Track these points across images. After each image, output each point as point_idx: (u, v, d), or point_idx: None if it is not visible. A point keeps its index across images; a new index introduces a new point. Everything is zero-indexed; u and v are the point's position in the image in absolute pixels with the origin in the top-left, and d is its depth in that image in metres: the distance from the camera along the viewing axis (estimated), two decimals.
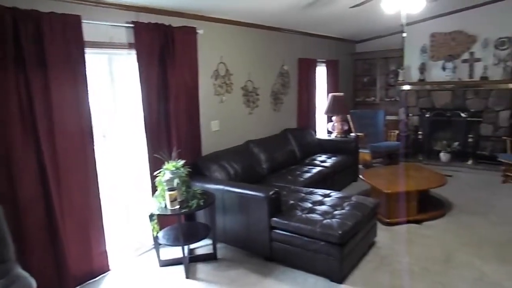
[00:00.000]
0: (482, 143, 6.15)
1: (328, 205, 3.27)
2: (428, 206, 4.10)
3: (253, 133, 4.84)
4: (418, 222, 3.89)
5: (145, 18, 3.36)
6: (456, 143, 6.31)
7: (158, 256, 3.27)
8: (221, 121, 4.38)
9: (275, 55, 5.30)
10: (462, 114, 6.23)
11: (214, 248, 3.36)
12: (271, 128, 5.24)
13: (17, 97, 2.53)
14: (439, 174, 4.49)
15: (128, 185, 3.60)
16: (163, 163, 3.15)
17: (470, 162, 6.14)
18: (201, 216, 3.65)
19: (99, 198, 3.09)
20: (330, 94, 6.00)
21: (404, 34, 4.17)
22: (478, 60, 5.98)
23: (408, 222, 3.87)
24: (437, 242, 3.47)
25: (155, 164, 3.32)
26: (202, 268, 3.19)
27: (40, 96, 2.64)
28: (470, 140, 6.16)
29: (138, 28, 3.27)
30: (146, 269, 3.23)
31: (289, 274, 3.02)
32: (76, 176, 2.90)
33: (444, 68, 6.26)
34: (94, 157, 3.02)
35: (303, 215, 3.07)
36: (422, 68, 6.46)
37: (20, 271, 2.26)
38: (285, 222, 3.02)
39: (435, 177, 4.28)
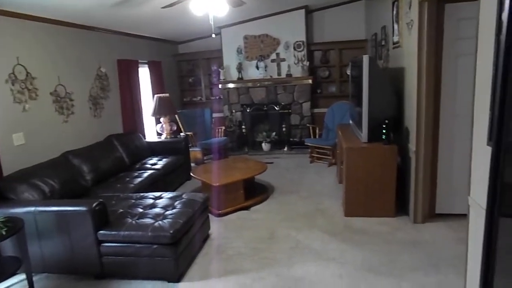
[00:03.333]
0: (293, 131, 7.20)
1: (160, 207, 3.23)
2: (254, 193, 4.54)
3: (71, 143, 4.34)
4: (246, 208, 4.27)
5: None
6: (274, 133, 7.18)
7: None
8: (27, 133, 3.75)
9: (90, 56, 4.88)
10: (276, 107, 7.13)
11: (30, 282, 2.86)
12: (93, 135, 4.80)
13: None
14: (260, 162, 5.02)
15: None
16: None
17: (285, 149, 7.09)
18: (9, 248, 3.06)
19: None
20: (156, 96, 5.92)
21: (213, 35, 4.45)
22: (283, 60, 6.96)
23: (238, 210, 4.20)
24: (263, 223, 3.89)
25: None
26: None
27: None
28: (283, 129, 7.11)
29: None
30: None
31: (124, 286, 2.85)
32: None
33: (257, 67, 7.01)
34: None
35: (134, 222, 2.94)
36: (240, 68, 7.07)
37: None
38: (114, 232, 2.83)
39: (257, 166, 4.77)
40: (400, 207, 3.83)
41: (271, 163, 6.21)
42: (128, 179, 4.30)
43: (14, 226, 2.68)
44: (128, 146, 5.04)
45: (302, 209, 4.21)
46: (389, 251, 3.12)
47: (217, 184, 4.02)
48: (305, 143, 6.43)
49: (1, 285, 2.98)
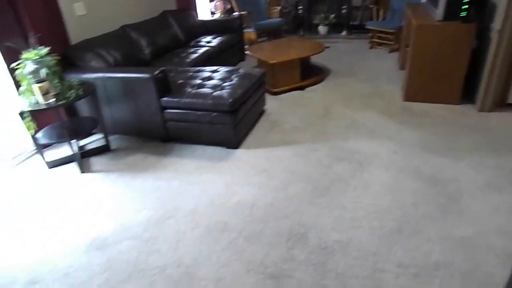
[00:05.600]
0: (354, 13, 6.60)
1: (217, 79, 3.28)
2: (309, 74, 4.43)
3: (128, 17, 4.33)
4: (301, 88, 4.22)
5: None
6: (332, 15, 6.65)
7: (44, 158, 3.00)
8: (87, 3, 3.76)
9: None
10: None
11: (106, 140, 3.20)
12: (147, 10, 4.73)
13: None
14: (318, 42, 4.77)
15: None
16: (20, 53, 2.66)
17: (344, 32, 6.63)
18: (85, 111, 3.37)
19: None
20: None
21: None
22: None
23: (293, 90, 4.18)
24: (318, 102, 3.87)
25: (9, 55, 2.80)
26: (97, 161, 3.07)
27: None
28: (343, 11, 6.54)
29: None
30: (33, 174, 2.97)
31: (188, 149, 3.10)
32: None
33: None
34: None
35: (193, 91, 3.04)
36: None
37: None
38: (176, 99, 2.97)
39: (314, 46, 4.54)
40: (466, 96, 3.57)
41: (328, 47, 5.88)
42: (184, 54, 4.34)
43: (88, 89, 2.89)
44: (182, 23, 4.97)
45: (358, 91, 4.09)
46: (448, 133, 3.03)
47: (274, 61, 3.94)
48: (366, 27, 5.92)
49: (83, 142, 3.37)
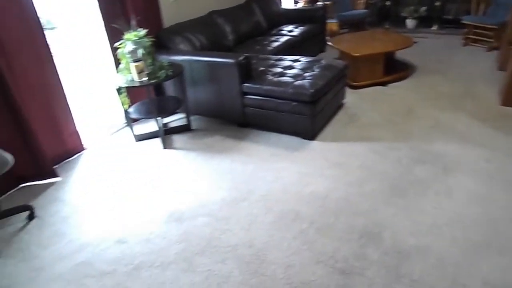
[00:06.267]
0: (449, 5, 6.09)
1: (298, 69, 3.26)
2: (393, 69, 4.20)
3: (216, 3, 4.49)
4: (383, 84, 4.03)
5: None
6: (424, 8, 6.21)
7: (132, 131, 3.27)
8: None
9: None
10: None
11: (188, 120, 3.39)
12: None
13: None
14: (405, 36, 4.50)
15: (89, 62, 3.38)
16: (122, 34, 2.91)
17: (435, 27, 6.16)
18: (171, 90, 3.58)
19: (58, 77, 2.89)
20: None
21: None
22: None
23: (374, 85, 4.01)
24: (401, 99, 3.66)
25: (114, 35, 3.07)
26: (178, 139, 3.26)
27: None
28: (436, 3, 6.06)
29: None
30: (122, 145, 3.26)
31: (263, 136, 3.16)
32: (27, 54, 2.65)
33: None
34: (44, 37, 2.73)
35: (274, 79, 3.06)
36: None
37: None
38: (257, 86, 3.02)
39: (400, 40, 4.29)
40: None
41: (415, 42, 5.51)
42: (265, 42, 4.38)
43: (177, 69, 3.06)
44: (266, 11, 5.01)
45: (447, 90, 3.79)
46: None
47: (357, 54, 3.81)
48: (462, 21, 5.43)
49: (166, 119, 3.60)
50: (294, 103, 2.90)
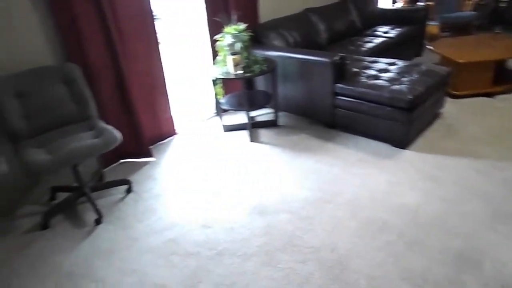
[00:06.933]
0: None
1: (395, 72, 3.09)
2: (504, 79, 3.77)
3: (312, 0, 4.45)
4: (490, 95, 3.64)
5: None
6: None
7: (222, 122, 3.40)
8: None
9: None
10: None
11: (276, 115, 3.43)
12: None
13: None
14: None
15: (189, 52, 3.59)
16: (222, 27, 3.03)
17: None
18: (261, 85, 3.65)
19: (161, 65, 3.12)
20: None
21: None
22: None
23: (478, 95, 3.64)
24: (511, 114, 3.28)
25: (214, 28, 3.22)
26: (264, 133, 3.32)
27: None
28: None
29: None
30: (210, 134, 3.41)
31: (351, 139, 3.06)
32: (140, 43, 2.89)
33: None
34: (154, 27, 2.96)
35: (369, 82, 2.95)
36: None
37: (105, 125, 2.45)
38: (351, 87, 2.93)
39: None
40: None
41: None
42: (359, 43, 4.23)
43: (270, 65, 3.11)
44: (361, 11, 4.83)
45: None
46: None
47: (462, 60, 3.48)
48: None
49: (255, 113, 3.68)
50: (389, 108, 2.76)
